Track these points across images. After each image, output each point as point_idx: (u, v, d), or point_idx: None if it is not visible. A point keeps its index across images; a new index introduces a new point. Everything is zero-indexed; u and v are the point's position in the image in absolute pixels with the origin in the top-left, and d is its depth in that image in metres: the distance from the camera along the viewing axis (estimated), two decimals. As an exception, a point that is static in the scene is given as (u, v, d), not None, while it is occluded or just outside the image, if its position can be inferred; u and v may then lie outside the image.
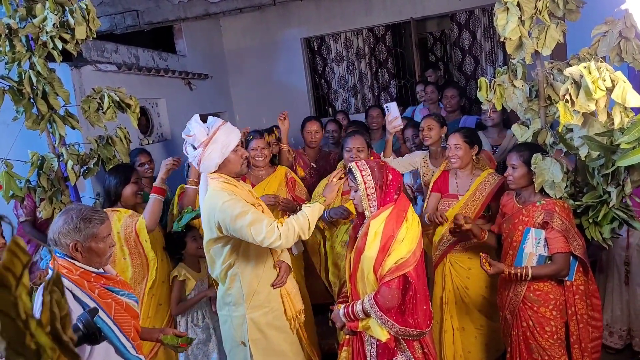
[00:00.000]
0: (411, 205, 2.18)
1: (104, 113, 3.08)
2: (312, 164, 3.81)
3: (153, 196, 2.76)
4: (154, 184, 2.83)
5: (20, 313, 0.38)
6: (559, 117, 2.24)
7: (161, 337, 2.06)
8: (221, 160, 2.20)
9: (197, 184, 2.76)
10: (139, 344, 1.94)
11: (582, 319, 2.39)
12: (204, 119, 2.27)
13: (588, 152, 2.22)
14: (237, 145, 2.25)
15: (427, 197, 3.06)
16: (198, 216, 2.75)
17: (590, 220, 2.41)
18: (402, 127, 3.18)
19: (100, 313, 1.74)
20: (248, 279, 2.32)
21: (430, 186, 3.06)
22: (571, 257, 2.35)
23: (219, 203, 2.15)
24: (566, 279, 2.37)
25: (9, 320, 0.38)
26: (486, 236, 2.61)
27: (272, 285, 2.38)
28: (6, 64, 2.93)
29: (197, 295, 2.93)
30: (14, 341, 0.38)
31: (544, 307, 2.38)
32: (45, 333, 0.40)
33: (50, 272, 1.79)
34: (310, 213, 2.20)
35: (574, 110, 1.98)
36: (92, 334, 1.44)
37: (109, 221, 1.84)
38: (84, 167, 3.14)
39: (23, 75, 2.92)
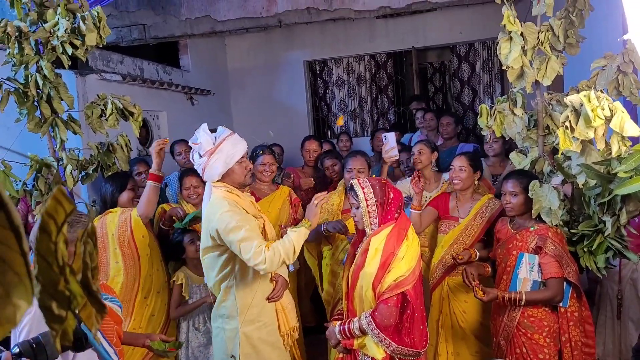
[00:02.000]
0: (412, 224, 2.19)
1: (107, 120, 3.09)
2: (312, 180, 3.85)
3: (149, 183, 2.77)
4: (150, 171, 2.84)
5: (58, 259, 0.39)
6: (557, 144, 2.29)
7: (148, 343, 2.03)
8: (225, 170, 2.23)
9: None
10: (121, 349, 1.91)
11: (577, 346, 2.38)
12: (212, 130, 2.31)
13: (585, 181, 2.26)
14: (243, 157, 2.28)
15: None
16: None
17: (585, 249, 2.43)
18: (397, 157, 3.23)
19: None
20: (242, 292, 2.30)
21: (428, 201, 3.08)
22: (565, 283, 2.36)
23: (218, 212, 2.17)
24: (560, 305, 2.37)
25: (46, 265, 0.38)
26: (489, 270, 2.66)
27: (268, 299, 2.36)
28: (13, 66, 2.96)
29: (197, 300, 2.91)
30: (49, 285, 0.38)
31: (537, 333, 2.38)
32: (76, 281, 0.41)
33: None
34: (296, 238, 2.20)
35: (573, 137, 2.03)
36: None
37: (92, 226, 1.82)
38: (83, 173, 3.14)
39: (29, 78, 2.94)
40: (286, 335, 2.42)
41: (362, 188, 2.15)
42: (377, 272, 2.03)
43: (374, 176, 2.91)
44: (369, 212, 2.12)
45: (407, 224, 2.15)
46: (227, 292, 2.32)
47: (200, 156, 2.22)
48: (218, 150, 2.20)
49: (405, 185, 3.45)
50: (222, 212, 2.15)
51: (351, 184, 2.22)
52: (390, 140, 3.21)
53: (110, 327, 1.84)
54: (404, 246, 2.05)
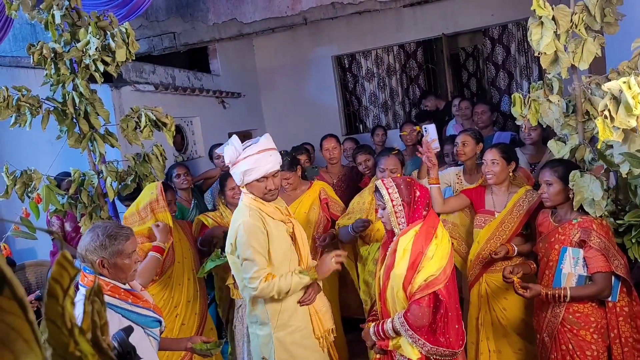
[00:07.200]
0: (441, 221, 2.15)
1: (141, 132, 3.18)
2: (334, 181, 3.84)
3: (151, 254, 2.63)
4: (154, 243, 2.67)
5: (66, 322, 0.40)
6: (597, 133, 2.18)
7: (190, 345, 2.11)
8: (241, 184, 2.29)
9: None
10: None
11: (627, 343, 2.27)
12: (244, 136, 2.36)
13: (629, 169, 2.14)
14: (263, 176, 2.25)
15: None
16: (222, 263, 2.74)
17: (633, 240, 2.31)
18: (439, 149, 3.15)
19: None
20: (270, 300, 2.31)
21: (463, 189, 3.03)
22: (614, 277, 2.25)
23: (239, 221, 2.25)
24: (609, 299, 2.27)
25: (55, 328, 0.39)
26: (535, 268, 2.56)
27: (299, 303, 2.36)
28: (51, 86, 3.09)
29: None
30: (59, 348, 0.40)
31: (584, 329, 2.29)
32: (86, 340, 0.42)
33: (79, 286, 1.83)
34: (295, 283, 2.24)
35: (614, 126, 1.92)
36: (127, 353, 1.42)
37: (134, 237, 1.87)
38: (122, 184, 3.25)
39: (67, 97, 3.06)
40: (322, 338, 2.43)
41: (387, 188, 2.12)
42: (406, 272, 2.00)
43: (398, 175, 2.87)
44: (395, 212, 2.09)
45: (436, 221, 2.11)
46: (255, 300, 2.35)
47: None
48: (237, 165, 2.27)
49: (447, 176, 3.35)
50: (240, 224, 2.24)
51: (375, 185, 2.19)
52: (430, 132, 3.12)
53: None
54: (432, 245, 2.01)
